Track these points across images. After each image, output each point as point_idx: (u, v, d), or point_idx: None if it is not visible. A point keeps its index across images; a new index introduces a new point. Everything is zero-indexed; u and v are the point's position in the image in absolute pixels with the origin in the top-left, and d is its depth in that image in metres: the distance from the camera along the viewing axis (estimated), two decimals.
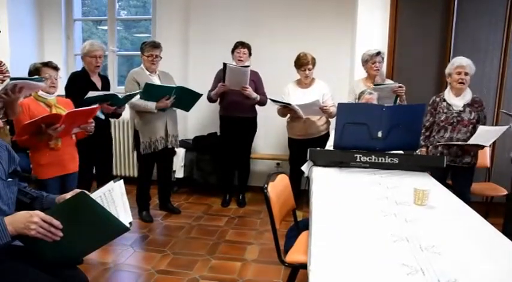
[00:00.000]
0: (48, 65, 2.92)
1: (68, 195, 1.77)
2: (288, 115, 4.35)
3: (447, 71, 3.51)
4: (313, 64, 4.22)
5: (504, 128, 3.24)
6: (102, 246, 1.88)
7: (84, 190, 1.66)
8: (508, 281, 1.38)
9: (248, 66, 4.19)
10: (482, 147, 3.30)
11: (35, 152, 2.84)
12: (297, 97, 4.17)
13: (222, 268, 3.20)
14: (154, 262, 3.25)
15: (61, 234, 1.57)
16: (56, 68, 2.93)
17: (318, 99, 3.97)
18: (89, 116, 2.93)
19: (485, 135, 3.24)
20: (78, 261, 1.91)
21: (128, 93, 3.69)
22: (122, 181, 1.90)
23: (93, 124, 3.00)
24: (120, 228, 1.71)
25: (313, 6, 4.95)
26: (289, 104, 4.03)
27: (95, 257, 3.23)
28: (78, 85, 3.56)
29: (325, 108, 4.02)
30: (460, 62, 3.41)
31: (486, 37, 4.22)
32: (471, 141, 3.32)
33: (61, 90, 3.17)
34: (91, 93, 3.39)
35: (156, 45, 4.00)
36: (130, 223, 1.84)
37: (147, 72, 4.00)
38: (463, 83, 3.40)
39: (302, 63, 4.19)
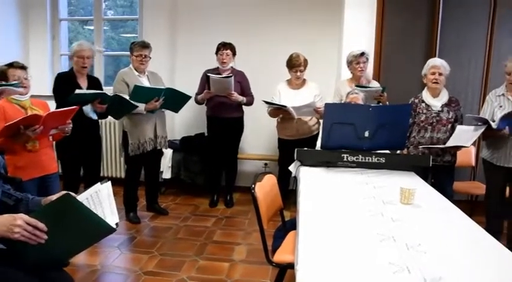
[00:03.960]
0: (14, 65, 2.78)
1: (54, 197, 1.75)
2: (279, 116, 4.35)
3: (423, 72, 3.60)
4: (305, 65, 4.23)
5: (482, 128, 3.31)
6: (88, 247, 1.87)
7: (71, 192, 1.65)
8: (491, 278, 1.40)
9: (231, 76, 4.19)
10: (460, 148, 3.37)
11: (11, 154, 2.71)
12: (289, 98, 4.17)
13: (210, 269, 3.20)
14: (141, 263, 3.24)
15: (46, 237, 1.55)
16: (23, 68, 2.80)
17: (313, 101, 3.99)
18: (68, 117, 2.85)
19: (464, 134, 3.31)
20: (64, 263, 1.88)
21: (117, 94, 3.67)
22: (109, 183, 1.89)
23: (71, 125, 2.91)
24: (106, 229, 1.70)
25: (301, 8, 4.97)
26: (285, 106, 4.01)
27: (82, 259, 3.21)
28: (62, 86, 3.52)
29: (319, 109, 4.00)
30: (434, 63, 3.52)
31: (470, 38, 4.29)
32: (450, 142, 3.39)
33: (37, 90, 3.07)
34: (78, 91, 3.36)
35: (145, 45, 3.99)
36: (116, 224, 1.83)
37: (136, 73, 3.98)
38: (437, 83, 3.49)
39: (294, 64, 4.19)
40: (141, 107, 3.82)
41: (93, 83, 3.78)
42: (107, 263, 3.23)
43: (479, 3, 4.25)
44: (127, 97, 3.72)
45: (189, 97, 4.05)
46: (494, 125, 3.21)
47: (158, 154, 4.29)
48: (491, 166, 3.49)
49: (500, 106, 3.40)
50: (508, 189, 3.54)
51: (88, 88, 3.67)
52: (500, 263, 1.52)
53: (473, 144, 4.15)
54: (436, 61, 3.54)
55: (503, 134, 3.25)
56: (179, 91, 3.97)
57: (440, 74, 3.49)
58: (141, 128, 3.96)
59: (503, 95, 3.42)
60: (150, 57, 4.02)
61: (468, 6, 4.27)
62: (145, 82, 3.97)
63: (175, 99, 3.98)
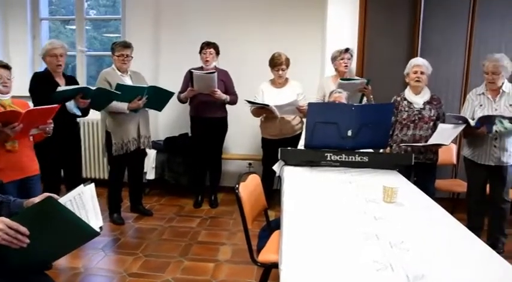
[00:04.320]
0: None
1: (37, 200, 1.72)
2: (262, 115, 4.36)
3: (406, 71, 3.67)
4: (287, 64, 4.25)
5: (461, 126, 3.38)
6: (71, 251, 1.85)
7: (53, 194, 1.63)
8: (472, 274, 1.42)
9: (214, 72, 4.18)
10: (441, 146, 3.43)
11: None
12: (271, 97, 4.19)
13: (195, 269, 3.19)
14: (126, 265, 3.22)
15: (28, 241, 1.53)
16: (6, 67, 2.75)
17: (296, 99, 4.00)
18: (49, 115, 2.78)
19: (445, 132, 3.37)
20: (47, 267, 1.86)
21: (100, 87, 3.63)
22: (92, 184, 1.86)
23: (52, 125, 2.84)
24: (90, 233, 1.69)
25: (284, 6, 4.99)
26: (267, 105, 4.03)
27: (65, 262, 3.17)
28: (40, 86, 3.45)
29: (302, 108, 4.04)
30: (416, 62, 3.60)
31: (451, 37, 4.36)
32: (432, 140, 3.45)
33: (17, 91, 3.00)
34: (61, 88, 3.32)
35: (126, 45, 3.96)
36: (100, 228, 1.81)
37: (119, 73, 3.95)
38: (420, 81, 3.56)
39: (276, 63, 4.22)
40: (124, 106, 3.80)
41: (71, 81, 3.72)
42: (91, 266, 3.20)
43: (459, 1, 4.33)
44: (109, 88, 3.70)
45: (172, 93, 4.04)
46: (472, 123, 3.28)
47: (142, 154, 4.26)
48: (472, 164, 3.56)
49: (481, 105, 3.47)
50: (488, 186, 3.61)
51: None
52: (480, 260, 1.55)
53: (455, 142, 4.25)
54: (418, 60, 3.61)
55: (481, 131, 3.32)
56: (162, 88, 3.96)
57: (422, 73, 3.56)
58: (124, 127, 3.93)
59: (483, 93, 3.48)
60: (132, 57, 3.99)
61: (449, 5, 4.34)
62: (128, 82, 3.94)
63: (158, 97, 3.96)
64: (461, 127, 3.36)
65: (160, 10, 5.17)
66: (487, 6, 4.27)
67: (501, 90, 3.40)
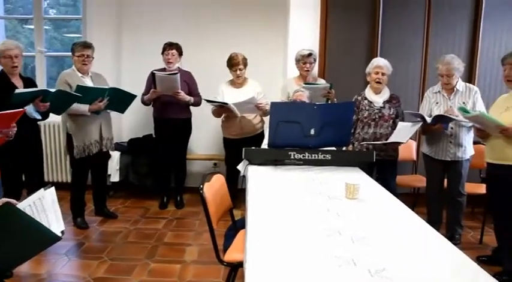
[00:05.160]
0: None
1: None
2: (223, 115, 4.37)
3: (367, 70, 3.76)
4: (245, 64, 4.29)
5: (418, 124, 3.51)
6: (32, 257, 1.81)
7: (12, 200, 1.60)
8: (432, 266, 1.48)
9: (176, 73, 4.16)
10: (399, 143, 3.55)
11: None
12: (231, 97, 4.21)
13: (162, 271, 3.17)
14: (91, 270, 3.16)
15: None
16: None
17: (253, 96, 4.04)
18: (12, 120, 2.72)
19: (404, 130, 3.50)
20: (7, 275, 1.82)
21: (59, 89, 3.55)
22: (53, 188, 1.84)
23: (15, 129, 2.79)
24: (51, 238, 1.66)
25: (247, 8, 5.02)
26: (226, 104, 4.05)
27: (26, 269, 3.09)
28: None
29: (260, 105, 4.09)
30: (378, 63, 3.69)
31: (409, 39, 4.51)
32: (392, 138, 3.57)
33: None
34: (18, 90, 3.22)
35: (87, 45, 3.89)
36: (62, 232, 1.79)
37: (79, 74, 3.87)
38: (380, 82, 3.67)
39: (233, 63, 4.25)
40: (85, 108, 3.73)
41: (29, 83, 3.62)
42: (54, 271, 3.13)
43: (416, 4, 4.47)
44: (69, 91, 3.62)
45: (134, 96, 4.00)
46: (429, 120, 3.40)
47: (105, 156, 4.19)
48: (430, 160, 3.69)
49: (437, 103, 3.61)
50: (446, 180, 3.75)
51: (25, 88, 3.49)
52: (438, 252, 1.61)
53: (414, 139, 4.41)
54: (380, 61, 3.70)
55: (438, 128, 3.45)
56: (124, 90, 3.92)
57: (383, 74, 3.66)
58: (86, 129, 3.86)
59: (439, 92, 3.62)
60: (93, 58, 3.92)
61: (406, 8, 4.48)
62: (88, 83, 3.87)
63: (120, 99, 3.91)
64: (418, 125, 3.52)
65: (122, 10, 5.10)
66: (441, 8, 4.44)
67: (455, 89, 3.54)
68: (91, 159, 3.96)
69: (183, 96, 4.28)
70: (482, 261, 3.28)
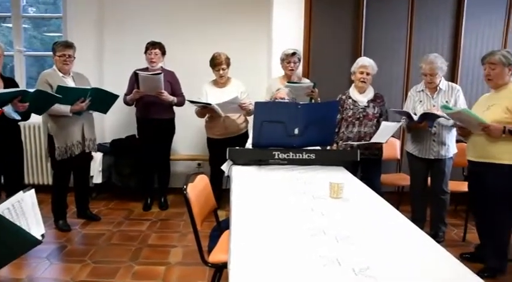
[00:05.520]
0: None
1: None
2: (207, 115, 4.35)
3: (352, 69, 3.78)
4: (228, 64, 4.27)
5: (398, 124, 3.57)
6: (12, 261, 1.77)
7: None
8: (415, 264, 1.48)
9: (160, 73, 4.13)
10: (379, 144, 3.58)
11: None
12: (215, 96, 4.19)
13: (146, 273, 3.13)
14: (73, 273, 3.11)
15: None
16: None
17: (237, 96, 4.02)
18: None
19: (387, 129, 3.52)
20: None
21: (39, 89, 3.48)
22: (32, 190, 1.80)
23: None
24: (31, 242, 1.63)
25: (230, 7, 5.00)
26: (209, 104, 4.03)
27: (6, 273, 3.03)
28: None
29: (244, 105, 4.07)
30: (363, 62, 3.71)
31: (392, 37, 4.54)
32: (375, 137, 3.60)
33: None
34: None
35: (68, 45, 3.83)
36: (42, 235, 1.75)
37: (60, 74, 3.81)
38: (365, 82, 3.70)
39: (216, 63, 4.24)
40: (67, 109, 3.67)
41: (10, 83, 3.56)
42: (35, 275, 3.07)
43: (399, 3, 4.51)
44: (49, 91, 3.56)
45: (116, 96, 3.95)
46: (415, 118, 3.43)
47: (87, 158, 4.13)
48: (414, 158, 3.73)
49: (420, 101, 3.64)
50: (429, 179, 3.79)
51: (6, 88, 3.43)
52: (422, 250, 1.61)
53: (398, 138, 4.46)
54: (365, 61, 3.71)
55: (424, 125, 3.48)
56: (106, 90, 3.87)
57: (368, 74, 3.68)
58: (68, 130, 3.80)
59: (422, 90, 3.66)
60: (75, 57, 3.86)
61: (390, 5, 4.52)
62: (70, 83, 3.81)
63: (102, 100, 3.86)
64: (399, 125, 3.58)
65: (104, 8, 5.03)
66: (424, 7, 4.49)
67: (438, 88, 3.58)
68: (73, 161, 3.90)
69: (167, 96, 4.24)
70: (466, 258, 3.31)
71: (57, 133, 3.79)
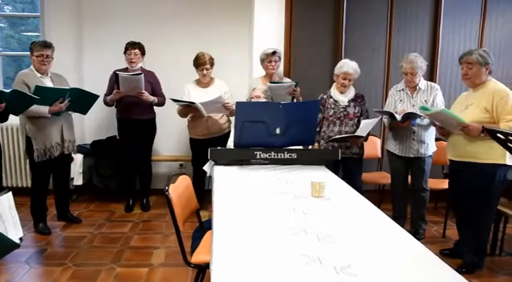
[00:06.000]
0: None
1: None
2: (189, 115, 4.33)
3: (335, 71, 3.77)
4: (211, 64, 4.26)
5: (376, 119, 3.61)
6: None
7: None
8: (395, 260, 1.50)
9: (140, 73, 4.10)
10: (360, 137, 3.59)
11: None
12: (197, 96, 4.17)
13: (128, 276, 3.10)
14: (53, 277, 3.06)
15: None
16: None
17: (220, 96, 4.01)
18: None
19: (366, 127, 3.56)
20: None
21: (15, 89, 3.42)
22: (10, 193, 1.77)
23: None
24: (8, 245, 1.60)
25: (211, 7, 4.99)
26: (193, 103, 4.01)
27: None
28: None
29: (227, 105, 4.07)
30: (347, 69, 3.66)
31: (372, 37, 4.59)
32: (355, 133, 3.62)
33: None
34: None
35: (46, 45, 3.76)
36: (20, 238, 1.72)
37: (38, 74, 3.74)
38: (345, 87, 3.71)
39: (200, 62, 4.22)
40: (45, 109, 3.61)
41: None
42: (14, 280, 3.01)
43: (379, 4, 4.56)
44: (26, 91, 3.50)
45: (96, 96, 3.90)
46: (399, 118, 3.46)
47: (67, 160, 4.07)
48: (394, 156, 3.77)
49: (401, 100, 3.68)
50: (409, 177, 3.84)
51: None
52: (403, 248, 1.63)
53: (379, 137, 4.50)
54: (349, 68, 3.66)
55: (407, 124, 3.52)
56: (86, 91, 3.82)
57: (350, 80, 3.69)
58: (46, 132, 3.74)
59: (402, 90, 3.70)
60: (53, 58, 3.80)
61: (369, 8, 4.56)
62: (48, 84, 3.75)
63: (82, 100, 3.81)
64: (377, 120, 3.61)
65: (82, 8, 4.98)
66: (403, 7, 4.55)
67: (418, 87, 3.63)
68: (52, 163, 3.84)
69: (147, 96, 4.21)
70: (445, 254, 3.37)
71: (35, 134, 3.73)
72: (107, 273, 3.13)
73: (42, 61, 3.72)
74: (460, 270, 3.01)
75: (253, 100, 3.74)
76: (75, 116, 4.05)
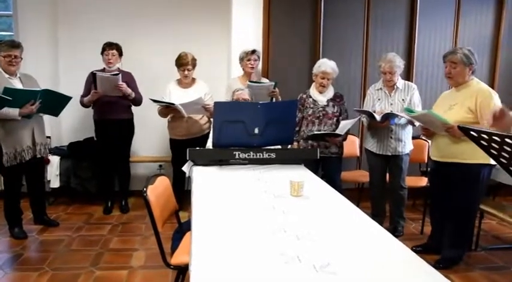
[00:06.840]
0: None
1: None
2: (169, 115, 4.30)
3: (314, 71, 3.80)
4: (194, 64, 4.24)
5: (355, 120, 3.66)
6: None
7: None
8: (374, 259, 1.52)
9: (118, 74, 4.06)
10: (338, 135, 3.62)
11: None
12: (178, 97, 4.15)
13: (108, 278, 3.06)
14: None
15: None
16: None
17: (200, 97, 3.99)
18: None
19: (345, 126, 3.60)
20: None
21: None
22: None
23: None
24: None
25: (190, 6, 4.97)
26: (173, 104, 3.98)
27: None
28: None
29: (207, 106, 4.05)
30: (325, 69, 3.70)
31: (350, 37, 4.65)
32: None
33: None
34: None
35: (14, 45, 3.66)
36: None
37: (6, 75, 3.63)
38: (324, 87, 3.73)
39: (182, 63, 4.19)
40: (15, 112, 3.52)
41: None
42: None
43: (356, 5, 4.61)
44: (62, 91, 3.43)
45: (69, 98, 3.83)
46: (378, 118, 3.50)
47: (40, 163, 3.97)
48: (372, 155, 3.81)
49: (379, 99, 3.73)
50: (388, 175, 3.88)
51: None
52: (381, 245, 1.65)
53: (357, 136, 4.55)
54: (327, 67, 3.70)
55: (387, 124, 3.57)
56: (58, 92, 3.77)
57: (328, 79, 3.72)
58: (17, 135, 3.64)
59: (380, 89, 3.75)
60: (22, 58, 3.70)
61: (346, 8, 4.61)
62: (17, 85, 3.65)
63: (54, 102, 3.74)
64: (356, 120, 3.66)
65: (58, 6, 4.89)
66: (379, 7, 4.61)
67: (396, 86, 3.67)
68: (24, 166, 3.75)
69: (126, 88, 4.16)
70: (418, 251, 3.40)
71: (5, 138, 3.62)
72: (86, 276, 3.08)
73: (10, 62, 3.61)
74: (437, 265, 3.06)
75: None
76: (52, 117, 3.96)
